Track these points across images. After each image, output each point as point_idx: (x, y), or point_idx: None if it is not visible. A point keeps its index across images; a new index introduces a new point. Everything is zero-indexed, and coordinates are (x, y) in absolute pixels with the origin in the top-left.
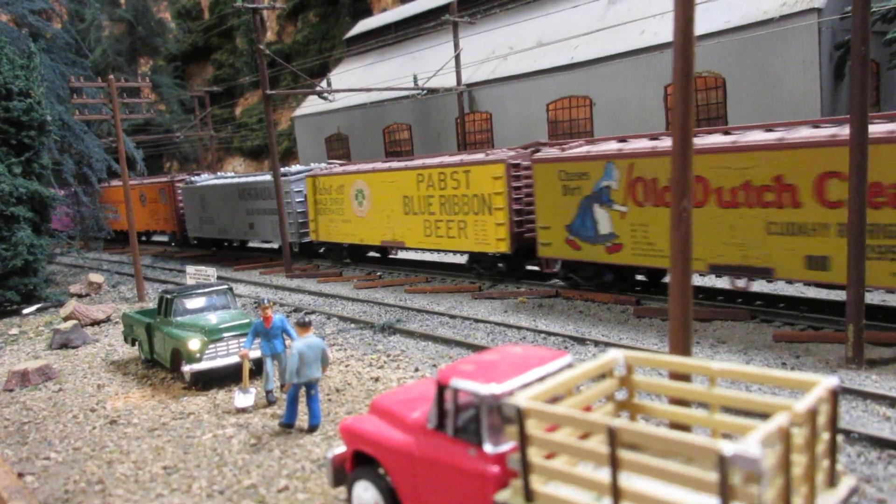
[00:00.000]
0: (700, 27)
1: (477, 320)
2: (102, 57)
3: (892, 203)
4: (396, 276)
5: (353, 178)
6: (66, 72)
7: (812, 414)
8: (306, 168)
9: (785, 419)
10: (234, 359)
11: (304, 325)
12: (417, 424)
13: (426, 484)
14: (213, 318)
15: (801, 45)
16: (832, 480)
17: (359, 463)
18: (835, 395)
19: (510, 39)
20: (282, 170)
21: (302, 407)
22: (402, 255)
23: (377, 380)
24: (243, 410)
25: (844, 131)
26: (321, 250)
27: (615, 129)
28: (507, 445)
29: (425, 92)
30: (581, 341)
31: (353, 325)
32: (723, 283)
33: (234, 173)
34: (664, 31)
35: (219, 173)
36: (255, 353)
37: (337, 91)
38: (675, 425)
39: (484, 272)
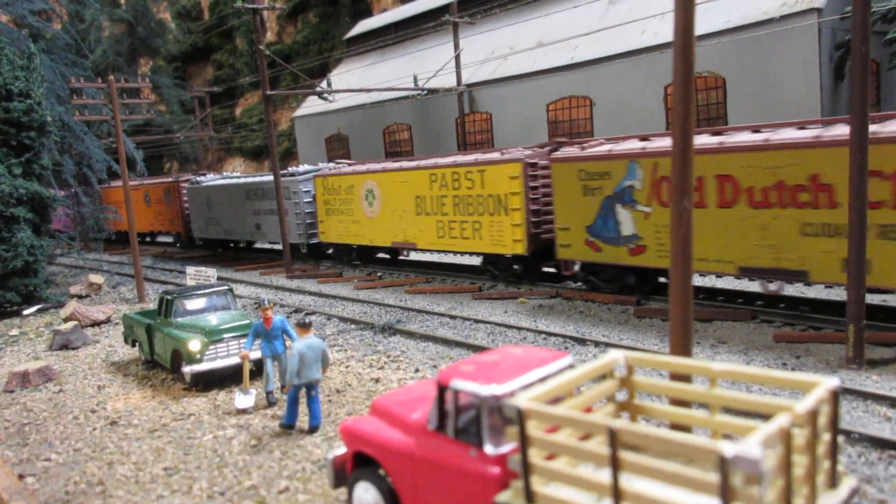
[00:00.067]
0: (700, 27)
1: (477, 321)
2: (102, 57)
3: None
4: (397, 277)
5: (364, 177)
6: (66, 72)
7: (813, 415)
8: (314, 168)
9: (786, 420)
10: (235, 360)
11: (304, 326)
12: (418, 425)
13: (427, 485)
14: (213, 319)
15: (801, 45)
16: (833, 481)
17: (359, 464)
18: (835, 396)
19: (510, 39)
20: (289, 169)
21: (302, 408)
22: (413, 256)
23: (377, 381)
24: (244, 411)
25: (886, 128)
26: (329, 251)
27: (615, 130)
28: (508, 446)
29: (425, 92)
30: (581, 342)
31: (353, 326)
32: (723, 283)
33: (240, 173)
34: (664, 31)
35: (224, 173)
36: (256, 354)
37: (337, 91)
38: (676, 426)
39: (499, 274)
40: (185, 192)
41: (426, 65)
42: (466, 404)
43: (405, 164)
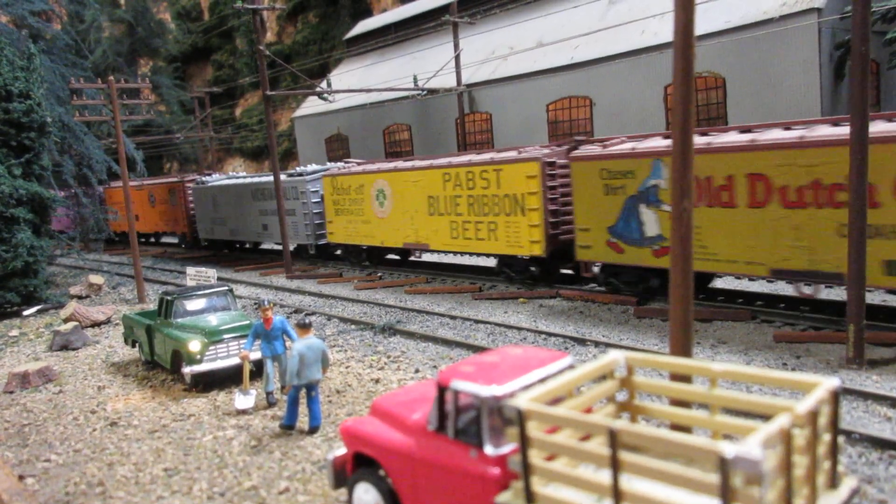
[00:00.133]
0: (700, 27)
1: (477, 321)
2: (102, 58)
3: None
4: (397, 277)
5: (374, 177)
6: (65, 73)
7: (813, 415)
8: (323, 168)
9: (786, 420)
10: (235, 360)
11: (304, 327)
12: (418, 426)
13: (427, 486)
14: (213, 320)
15: (801, 45)
16: (833, 482)
17: (359, 465)
18: (836, 396)
19: (510, 40)
20: (297, 169)
21: (302, 408)
22: (425, 257)
23: (377, 381)
24: (244, 412)
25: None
26: (337, 252)
27: (615, 130)
28: (508, 447)
29: (425, 92)
30: (581, 342)
31: (353, 327)
32: (722, 283)
33: (246, 173)
34: (664, 31)
35: (230, 173)
36: (256, 355)
37: (337, 92)
38: (676, 427)
39: (515, 276)
40: (190, 192)
41: (426, 65)
42: (466, 405)
43: (417, 163)
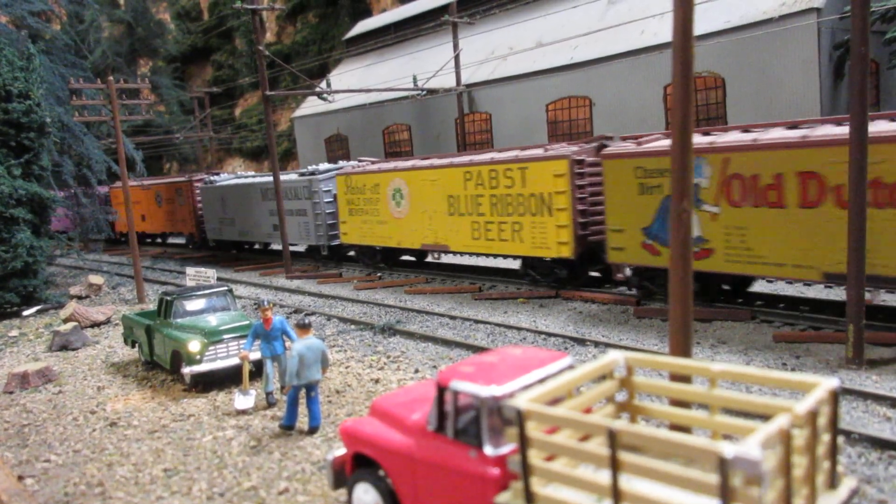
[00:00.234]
0: (699, 27)
1: (477, 321)
2: (102, 58)
3: None
4: (397, 278)
5: (391, 176)
6: (65, 73)
7: (812, 415)
8: (336, 166)
9: (785, 421)
10: (234, 360)
11: (304, 327)
12: (417, 426)
13: (426, 486)
14: (213, 320)
15: (800, 45)
16: (833, 482)
17: (359, 465)
18: (835, 396)
19: (510, 40)
20: (309, 168)
21: (302, 409)
22: (444, 259)
23: (377, 381)
24: (243, 412)
25: None
26: (349, 253)
27: (615, 130)
28: (508, 447)
29: (425, 92)
30: (581, 342)
31: (353, 327)
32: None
33: (255, 172)
34: (664, 31)
35: (238, 172)
36: (255, 355)
37: (336, 92)
38: (676, 427)
39: (540, 279)
40: (198, 191)
41: (426, 65)
42: (466, 405)
43: (436, 161)
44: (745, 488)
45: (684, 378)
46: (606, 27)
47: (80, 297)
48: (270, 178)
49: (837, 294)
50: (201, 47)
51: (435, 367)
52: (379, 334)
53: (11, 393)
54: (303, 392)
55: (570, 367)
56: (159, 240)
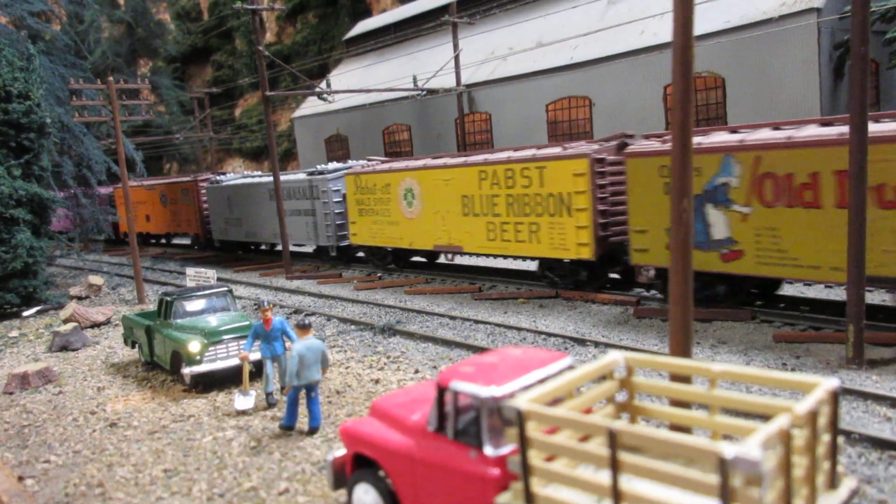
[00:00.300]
0: (699, 27)
1: (477, 321)
2: (102, 58)
3: None
4: (396, 278)
5: (402, 175)
6: (65, 74)
7: (813, 415)
8: (344, 165)
9: (786, 421)
10: (234, 361)
11: (304, 327)
12: (417, 427)
13: (426, 486)
14: (212, 321)
15: (800, 45)
16: (833, 482)
17: (359, 465)
18: (835, 397)
19: (510, 40)
20: (318, 167)
21: (302, 409)
22: (457, 260)
23: (377, 382)
24: (243, 413)
25: None
26: (358, 254)
27: (615, 130)
28: (508, 448)
29: (425, 93)
30: (581, 342)
31: (353, 327)
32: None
33: (262, 172)
34: (664, 31)
35: (245, 172)
36: (255, 356)
37: (336, 92)
38: (676, 427)
39: (558, 281)
40: (203, 191)
41: (426, 65)
42: (466, 406)
43: (450, 160)
44: (746, 488)
45: (684, 378)
46: (606, 27)
47: (80, 298)
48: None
49: (837, 294)
50: (201, 48)
51: (435, 367)
52: (379, 335)
53: (11, 394)
54: (303, 392)
55: (571, 368)
56: (164, 240)
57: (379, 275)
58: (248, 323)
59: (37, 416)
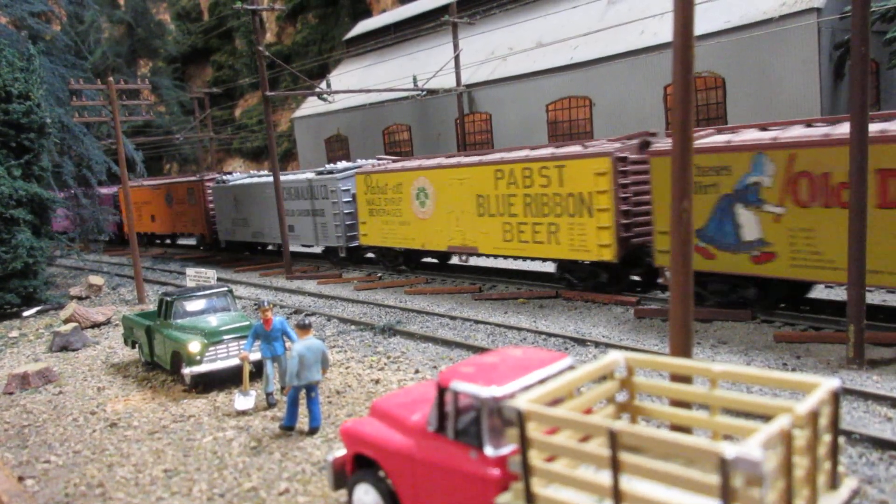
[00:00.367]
0: (699, 27)
1: (477, 321)
2: (102, 59)
3: None
4: (397, 278)
5: (415, 174)
6: (65, 74)
7: (813, 416)
8: (354, 164)
9: (786, 421)
10: (235, 361)
11: (304, 328)
12: (418, 427)
13: (427, 487)
14: (213, 321)
15: (800, 45)
16: (834, 482)
17: (359, 466)
18: (836, 397)
19: (510, 40)
20: (327, 166)
21: (302, 409)
22: (472, 261)
23: (377, 382)
24: (243, 413)
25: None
26: (368, 255)
27: (615, 130)
28: (508, 448)
29: (425, 93)
30: (581, 342)
31: (353, 327)
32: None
33: (268, 171)
34: (664, 31)
35: (251, 171)
36: (256, 356)
37: (336, 92)
38: (676, 427)
39: (577, 283)
40: (210, 191)
41: (426, 65)
42: (466, 406)
43: (464, 159)
44: (746, 489)
45: (685, 378)
46: (606, 27)
47: (80, 298)
48: (285, 178)
49: (837, 294)
50: (201, 48)
51: (435, 367)
52: (379, 335)
53: (12, 394)
54: (303, 393)
55: (571, 368)
56: (168, 241)
57: (379, 275)
58: (248, 323)
59: (37, 417)
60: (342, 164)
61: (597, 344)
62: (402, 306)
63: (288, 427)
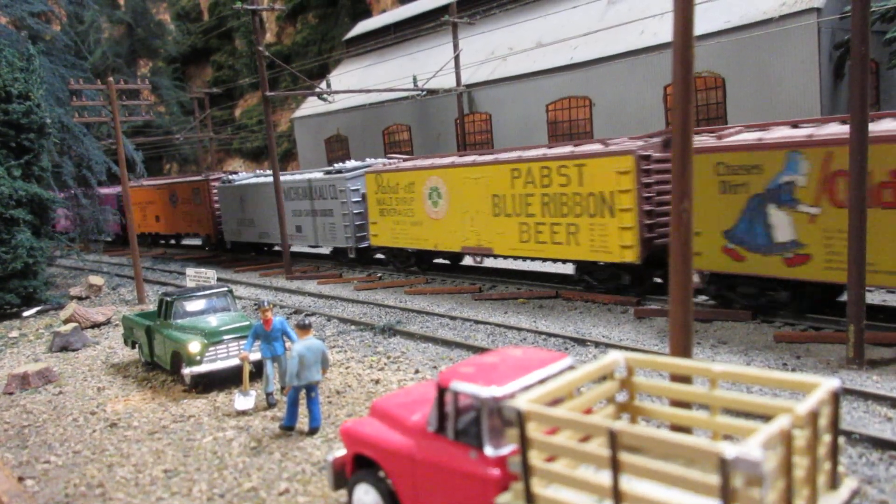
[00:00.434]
0: (699, 27)
1: (477, 322)
2: (102, 59)
3: None
4: (397, 278)
5: (427, 174)
6: (65, 74)
7: (813, 416)
8: (363, 164)
9: (786, 421)
10: (235, 361)
11: (304, 328)
12: (418, 427)
13: (427, 487)
14: (213, 321)
15: (800, 45)
16: (834, 482)
17: (359, 466)
18: (836, 397)
19: (510, 40)
20: (336, 165)
21: (302, 409)
22: (487, 262)
23: (377, 382)
24: (243, 413)
25: None
26: (378, 256)
27: (615, 130)
28: (508, 448)
29: (425, 93)
30: (581, 342)
31: (353, 327)
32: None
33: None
34: (664, 31)
35: (257, 171)
36: (256, 356)
37: (336, 92)
38: (676, 427)
39: (597, 285)
40: (215, 191)
41: (425, 65)
42: (466, 406)
43: (479, 158)
44: (746, 489)
45: (685, 378)
46: (606, 27)
47: (80, 298)
48: (293, 177)
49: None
50: (201, 48)
51: (435, 367)
52: (379, 335)
53: (12, 394)
54: (303, 393)
55: (571, 368)
56: (173, 241)
57: (379, 275)
58: (248, 323)
59: (37, 417)
60: (351, 163)
61: (597, 344)
62: (402, 306)
63: (288, 427)
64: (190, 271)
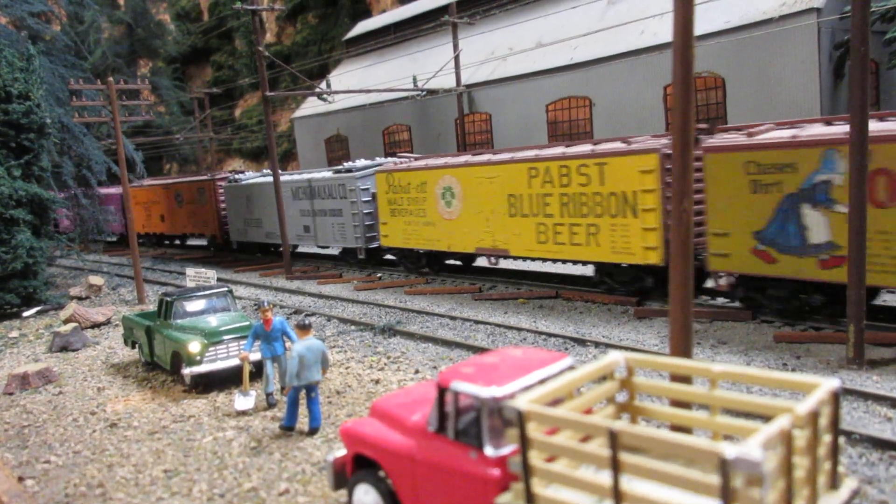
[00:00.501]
0: (699, 27)
1: (477, 322)
2: (102, 59)
3: None
4: (396, 278)
5: (440, 173)
6: (65, 74)
7: (813, 416)
8: (374, 163)
9: (786, 421)
10: (235, 361)
11: (304, 328)
12: (418, 427)
13: (427, 487)
14: (213, 321)
15: (800, 45)
16: (834, 482)
17: (359, 466)
18: (836, 397)
19: (510, 40)
20: (346, 164)
21: (302, 409)
22: (502, 264)
23: (377, 382)
24: (243, 413)
25: None
26: (388, 256)
27: (615, 130)
28: (508, 448)
29: (425, 93)
30: (581, 343)
31: (353, 327)
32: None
33: (281, 171)
34: (664, 31)
35: (262, 171)
36: (256, 356)
37: (336, 92)
38: (676, 428)
39: (618, 287)
40: (221, 191)
41: (425, 65)
42: (466, 406)
43: (494, 157)
44: (746, 489)
45: (685, 379)
46: (606, 27)
47: (80, 298)
48: (300, 177)
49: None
50: (201, 48)
51: (435, 367)
52: (379, 335)
53: (12, 394)
54: (303, 393)
55: (571, 368)
56: (178, 241)
57: (379, 275)
58: (248, 323)
59: (37, 417)
60: (361, 162)
61: (597, 344)
62: (402, 306)
63: (288, 427)
64: (190, 271)
